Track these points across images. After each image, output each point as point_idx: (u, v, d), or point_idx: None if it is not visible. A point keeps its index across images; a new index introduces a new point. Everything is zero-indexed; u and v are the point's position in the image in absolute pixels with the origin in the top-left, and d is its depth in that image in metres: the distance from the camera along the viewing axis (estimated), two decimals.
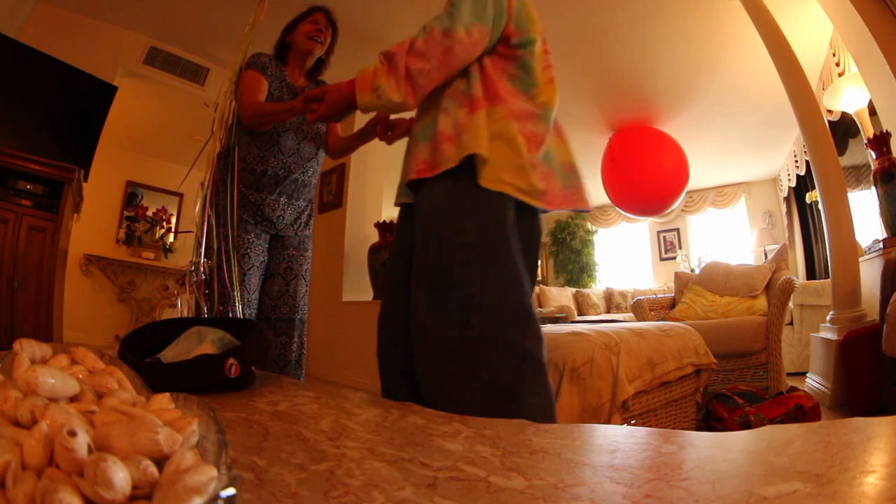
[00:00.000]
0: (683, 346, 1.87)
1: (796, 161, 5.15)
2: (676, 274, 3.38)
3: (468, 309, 0.92)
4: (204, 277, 1.50)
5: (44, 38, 3.38)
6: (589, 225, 7.86)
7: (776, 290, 2.60)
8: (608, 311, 6.18)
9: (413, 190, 1.11)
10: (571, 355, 1.46)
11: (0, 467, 0.26)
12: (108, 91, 3.58)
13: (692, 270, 5.85)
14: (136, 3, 3.65)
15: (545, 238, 8.17)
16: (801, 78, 2.62)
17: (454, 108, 1.07)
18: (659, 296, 3.33)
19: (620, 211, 5.84)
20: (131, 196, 5.41)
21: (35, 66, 3.18)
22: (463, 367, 0.90)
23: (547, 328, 1.88)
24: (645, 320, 2.87)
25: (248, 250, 1.60)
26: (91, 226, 4.75)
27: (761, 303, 2.71)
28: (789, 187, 5.52)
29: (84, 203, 3.44)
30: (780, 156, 5.57)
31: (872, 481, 0.33)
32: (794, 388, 2.08)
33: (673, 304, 3.18)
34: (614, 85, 4.17)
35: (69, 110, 3.36)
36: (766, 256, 5.48)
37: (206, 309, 1.50)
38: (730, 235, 6.65)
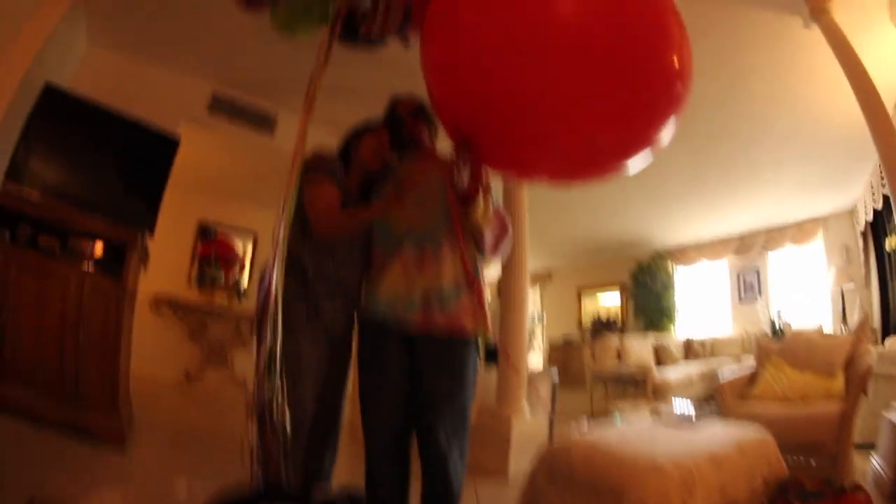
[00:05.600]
0: (757, 462, 1.93)
1: (873, 193, 4.89)
2: (758, 342, 3.55)
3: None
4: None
5: (99, 85, 3.28)
6: (669, 264, 7.82)
7: (855, 377, 2.62)
8: (686, 359, 6.37)
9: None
10: (644, 500, 1.51)
11: None
12: (171, 144, 3.41)
13: (772, 322, 5.76)
14: (194, 47, 3.58)
15: (626, 279, 8.15)
16: (879, 105, 2.60)
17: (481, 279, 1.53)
18: (742, 371, 3.38)
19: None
20: (205, 232, 5.64)
21: (92, 118, 3.04)
22: None
23: (618, 446, 1.87)
24: (726, 410, 2.99)
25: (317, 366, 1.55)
26: (162, 265, 4.62)
27: (838, 383, 2.79)
28: (866, 221, 5.24)
29: (155, 241, 3.28)
30: (856, 186, 5.33)
31: None
32: (858, 488, 2.00)
33: (753, 377, 3.27)
34: (700, 123, 4.12)
35: (131, 164, 3.22)
36: (842, 297, 5.34)
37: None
38: (807, 273, 6.45)
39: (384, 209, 1.51)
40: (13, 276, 2.32)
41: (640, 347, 6.11)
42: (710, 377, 5.40)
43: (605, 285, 8.57)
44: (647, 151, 1.29)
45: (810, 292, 6.23)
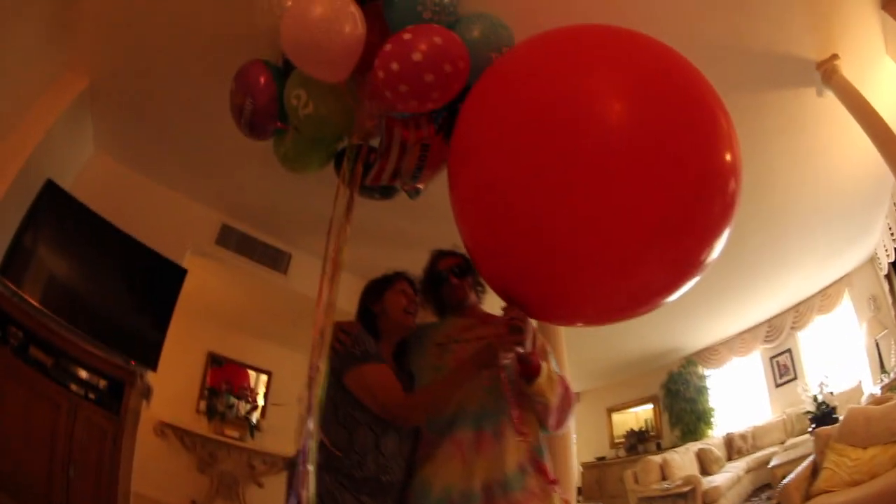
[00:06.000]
0: None
1: (892, 233, 4.79)
2: (815, 433, 3.31)
3: None
4: None
5: (101, 193, 2.95)
6: (700, 369, 7.51)
7: None
8: (730, 459, 6.06)
9: None
10: None
11: None
12: (178, 272, 3.19)
13: (814, 398, 5.40)
14: (205, 175, 3.31)
15: (658, 392, 7.76)
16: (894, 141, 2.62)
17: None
18: (798, 467, 3.16)
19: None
20: (216, 359, 5.17)
21: (96, 230, 2.82)
22: None
23: None
24: None
25: None
26: (169, 390, 4.14)
27: None
28: (888, 263, 5.08)
29: (161, 370, 3.04)
30: (874, 232, 5.20)
31: None
32: None
33: (814, 469, 3.04)
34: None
35: (136, 288, 3.03)
36: (878, 348, 5.08)
37: None
38: (840, 338, 6.13)
39: (464, 379, 1.28)
40: None
41: (682, 459, 5.80)
42: (758, 466, 5.33)
43: (635, 403, 8.11)
44: (696, 277, 1.10)
45: (845, 353, 5.91)
